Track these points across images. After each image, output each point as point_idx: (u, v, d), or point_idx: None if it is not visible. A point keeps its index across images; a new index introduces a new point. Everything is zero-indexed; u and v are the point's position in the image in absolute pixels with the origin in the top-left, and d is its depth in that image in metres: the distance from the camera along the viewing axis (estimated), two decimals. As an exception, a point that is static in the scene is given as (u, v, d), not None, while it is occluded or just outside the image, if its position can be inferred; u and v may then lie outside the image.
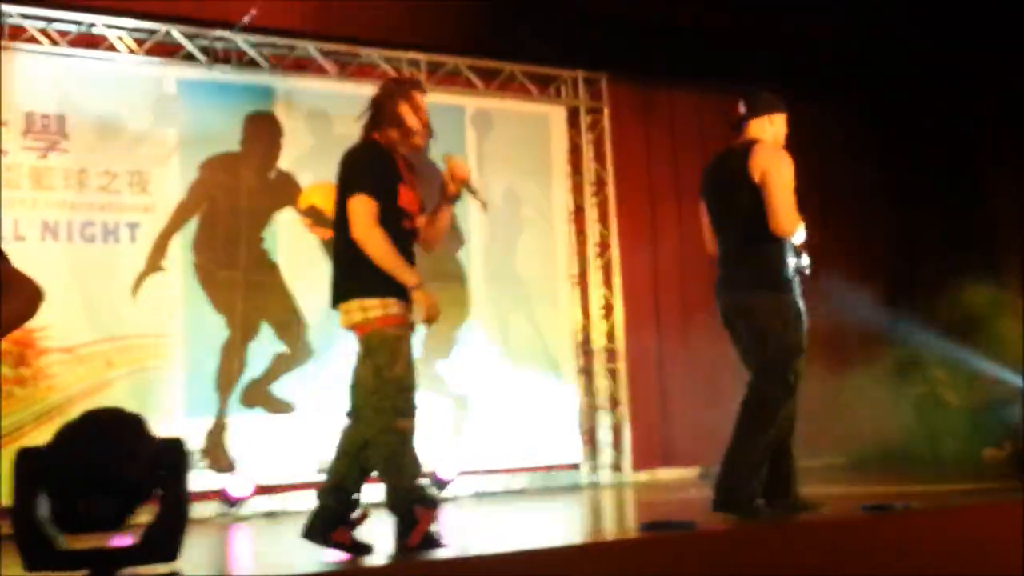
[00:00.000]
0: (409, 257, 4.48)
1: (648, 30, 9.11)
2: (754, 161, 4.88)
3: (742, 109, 5.08)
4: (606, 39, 9.19)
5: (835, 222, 9.28)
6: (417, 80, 4.81)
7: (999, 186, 10.00)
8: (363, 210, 4.35)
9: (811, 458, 9.45)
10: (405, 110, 4.53)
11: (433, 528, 4.28)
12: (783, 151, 4.97)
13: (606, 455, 9.07)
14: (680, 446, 9.30)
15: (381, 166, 4.48)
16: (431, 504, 4.35)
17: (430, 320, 4.37)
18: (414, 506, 4.28)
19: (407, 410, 4.34)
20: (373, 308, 4.34)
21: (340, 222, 4.48)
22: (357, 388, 4.44)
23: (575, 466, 9.02)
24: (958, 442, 9.82)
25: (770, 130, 5.03)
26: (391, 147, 4.55)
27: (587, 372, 9.17)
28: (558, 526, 6.22)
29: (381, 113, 4.58)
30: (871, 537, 4.17)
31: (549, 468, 8.87)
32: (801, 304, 4.99)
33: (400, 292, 4.37)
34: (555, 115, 9.38)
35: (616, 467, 9.09)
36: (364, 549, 4.38)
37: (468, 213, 8.74)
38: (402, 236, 4.45)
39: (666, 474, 9.22)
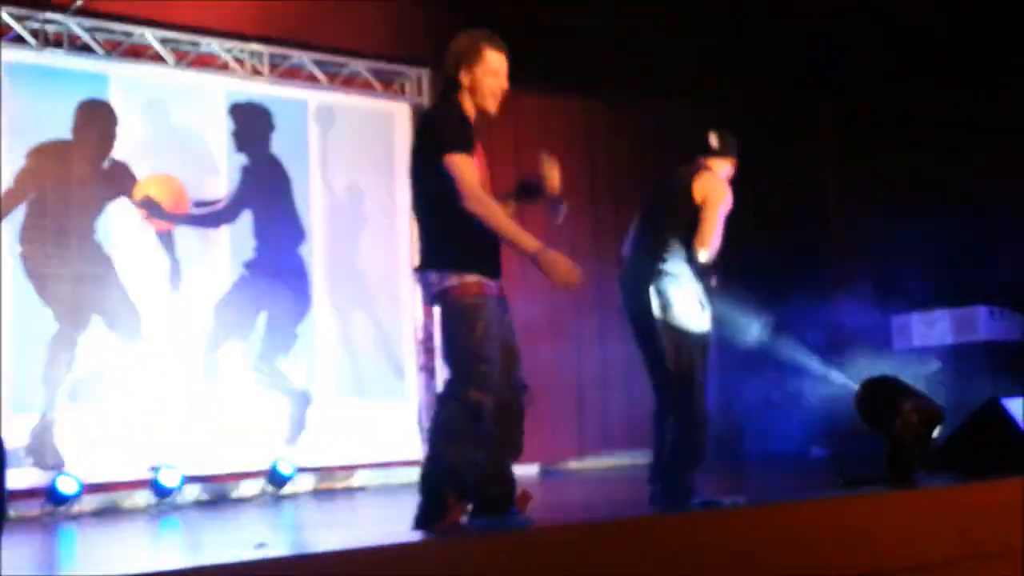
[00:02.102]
0: (486, 236, 4.12)
1: (493, 30, 9.14)
2: (699, 185, 5.28)
3: (714, 143, 5.45)
4: (451, 37, 9.18)
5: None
6: (495, 37, 4.28)
7: (830, 189, 10.40)
8: (460, 172, 4.02)
9: (645, 456, 9.76)
10: (479, 71, 4.20)
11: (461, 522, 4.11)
12: (725, 186, 5.37)
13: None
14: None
15: (464, 124, 4.17)
16: (463, 498, 4.14)
17: (569, 283, 4.12)
18: (446, 489, 4.10)
19: (480, 381, 4.06)
20: (451, 277, 4.11)
21: (428, 186, 4.18)
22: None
23: (415, 463, 9.00)
24: (784, 439, 10.17)
25: (724, 169, 5.46)
26: (463, 113, 4.21)
27: (428, 369, 9.18)
28: (396, 523, 6.21)
29: (452, 73, 4.24)
30: (701, 533, 4.27)
31: (389, 465, 8.84)
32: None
33: (478, 265, 4.12)
34: (399, 112, 9.35)
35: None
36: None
37: (310, 207, 8.65)
38: None
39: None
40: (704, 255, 5.20)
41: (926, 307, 9.15)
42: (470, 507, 4.24)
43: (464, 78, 4.20)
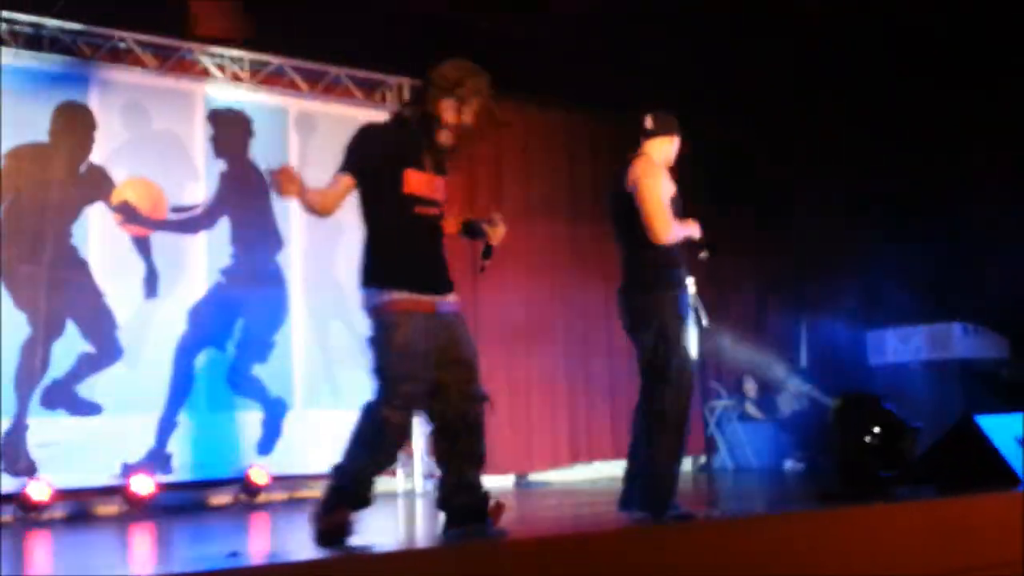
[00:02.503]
0: (432, 244, 4.36)
1: (475, 41, 9.16)
2: (630, 173, 5.15)
3: (648, 125, 5.30)
4: (431, 46, 9.18)
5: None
6: (483, 74, 4.46)
7: (805, 213, 10.45)
8: (331, 184, 4.29)
9: (622, 467, 9.76)
10: (447, 105, 4.34)
11: (345, 526, 4.20)
12: (657, 166, 5.20)
13: (422, 463, 9.06)
14: (497, 454, 9.36)
15: (387, 148, 4.33)
16: (352, 504, 4.23)
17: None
18: (338, 497, 4.19)
19: (391, 398, 4.20)
20: (375, 295, 4.28)
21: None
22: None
23: (391, 473, 8.97)
24: (760, 453, 10.21)
25: (663, 149, 5.27)
26: (414, 131, 4.36)
27: (405, 379, 9.14)
28: (370, 533, 6.18)
29: (422, 94, 4.42)
30: (676, 546, 4.27)
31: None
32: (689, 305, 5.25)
33: (406, 282, 4.26)
34: (380, 120, 9.31)
35: (431, 474, 9.08)
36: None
37: (288, 215, 8.62)
38: (416, 223, 4.31)
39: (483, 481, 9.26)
40: (664, 240, 5.05)
41: (902, 323, 9.21)
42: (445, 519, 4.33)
43: (435, 108, 4.35)
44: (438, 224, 4.41)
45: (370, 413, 4.22)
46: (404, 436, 4.29)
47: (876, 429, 5.77)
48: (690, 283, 5.30)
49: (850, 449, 5.91)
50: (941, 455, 5.95)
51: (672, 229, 5.07)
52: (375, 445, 4.22)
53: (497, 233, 4.51)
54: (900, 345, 9.05)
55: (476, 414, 4.38)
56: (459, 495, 4.39)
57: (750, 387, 10.58)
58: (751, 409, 10.54)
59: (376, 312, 4.24)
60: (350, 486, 4.24)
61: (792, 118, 10.43)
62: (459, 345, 4.36)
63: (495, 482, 9.28)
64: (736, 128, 10.32)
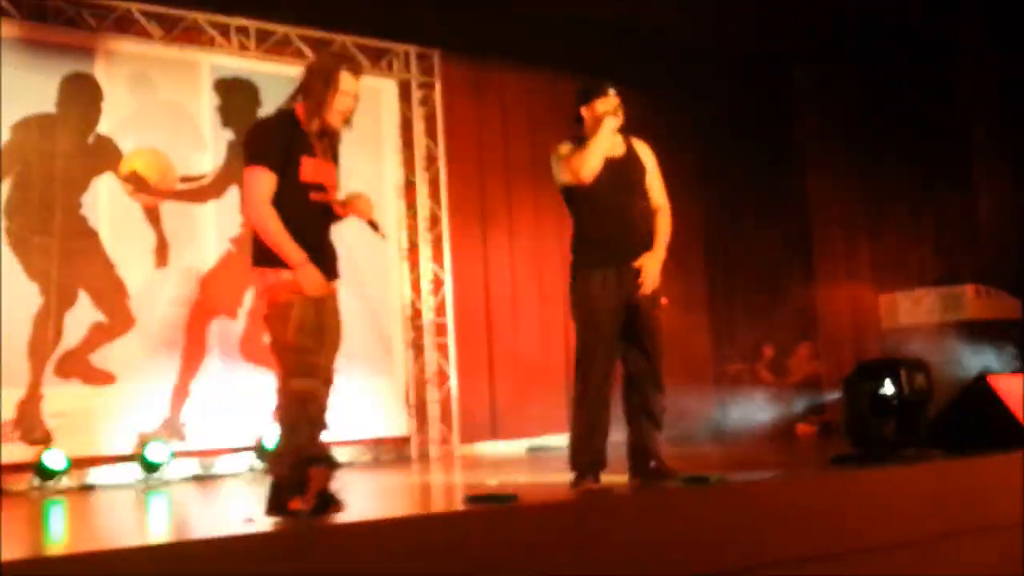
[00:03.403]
0: (321, 228, 4.49)
1: (483, 9, 9.13)
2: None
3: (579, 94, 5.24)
4: (440, 14, 9.16)
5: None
6: (354, 62, 4.65)
7: (817, 177, 10.39)
8: (253, 184, 4.33)
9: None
10: (329, 90, 4.41)
11: (330, 489, 4.32)
12: (562, 143, 5.14)
13: (435, 429, 9.09)
14: (508, 420, 9.40)
15: (281, 138, 4.40)
16: (328, 465, 4.38)
17: (312, 295, 4.35)
18: (307, 466, 4.30)
19: (301, 371, 4.35)
20: (269, 276, 4.36)
21: None
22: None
23: (404, 439, 9.02)
24: (773, 417, 10.20)
25: (589, 115, 5.13)
26: (304, 120, 4.44)
27: (416, 346, 9.17)
28: (385, 499, 6.21)
29: (303, 86, 4.49)
30: (688, 508, 4.29)
31: (378, 441, 8.85)
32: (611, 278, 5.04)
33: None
34: (387, 89, 9.31)
35: (444, 441, 9.12)
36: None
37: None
38: (310, 209, 4.41)
39: (494, 448, 9.31)
40: (582, 175, 4.98)
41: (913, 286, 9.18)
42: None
43: (315, 94, 4.43)
44: (330, 210, 4.54)
45: (284, 393, 4.37)
46: (320, 402, 4.43)
47: (888, 392, 5.75)
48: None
49: (862, 412, 5.90)
50: (955, 417, 5.94)
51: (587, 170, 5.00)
52: (300, 417, 4.35)
53: (359, 209, 4.63)
54: (912, 307, 9.01)
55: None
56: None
57: (768, 351, 10.57)
58: (763, 373, 10.53)
59: (271, 292, 4.37)
60: (319, 455, 4.38)
61: (797, 76, 10.38)
62: (335, 330, 4.57)
63: (508, 447, 9.32)
64: (739, 89, 10.27)
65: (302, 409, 4.35)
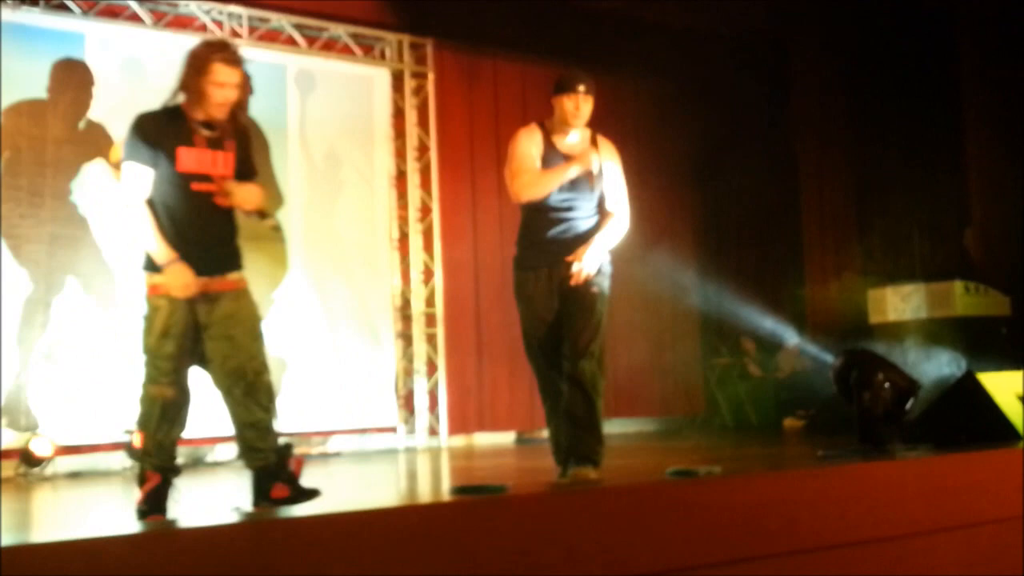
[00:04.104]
0: (208, 221, 4.29)
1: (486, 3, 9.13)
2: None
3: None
4: (433, 3, 9.15)
5: (648, 195, 9.47)
6: (228, 50, 4.29)
7: (808, 162, 10.40)
8: (125, 180, 4.25)
9: (624, 425, 9.84)
10: (204, 82, 4.21)
11: (164, 492, 4.28)
12: (528, 126, 5.10)
13: (423, 419, 9.09)
14: (496, 411, 9.41)
15: (155, 131, 4.25)
16: (164, 471, 4.31)
17: (179, 296, 4.19)
18: (146, 467, 4.29)
19: (157, 377, 4.25)
20: (145, 278, 4.28)
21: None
22: None
23: (391, 429, 9.01)
24: (760, 411, 10.23)
25: (558, 109, 5.05)
26: (186, 112, 4.29)
27: (405, 336, 9.16)
28: (372, 489, 6.21)
29: (180, 77, 4.31)
30: (676, 501, 4.29)
31: (365, 431, 8.85)
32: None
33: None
34: (379, 78, 9.29)
35: (432, 431, 9.13)
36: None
37: (288, 172, 8.60)
38: (192, 202, 4.24)
39: (482, 439, 9.32)
40: (522, 201, 5.00)
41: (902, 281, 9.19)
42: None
43: (191, 86, 4.25)
44: (213, 200, 4.30)
45: (142, 395, 4.31)
46: (179, 403, 4.34)
47: (876, 386, 5.76)
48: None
49: (850, 407, 5.92)
50: (943, 413, 5.96)
51: (524, 191, 5.00)
52: (157, 419, 4.29)
53: (240, 200, 4.36)
54: (900, 303, 9.03)
55: (253, 386, 4.37)
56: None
57: (750, 345, 10.59)
58: (751, 367, 10.55)
59: (144, 295, 4.29)
60: (157, 461, 4.33)
61: (793, 63, 10.38)
62: (229, 323, 4.32)
63: (498, 439, 9.33)
64: (744, 78, 10.28)
65: (158, 412, 4.28)
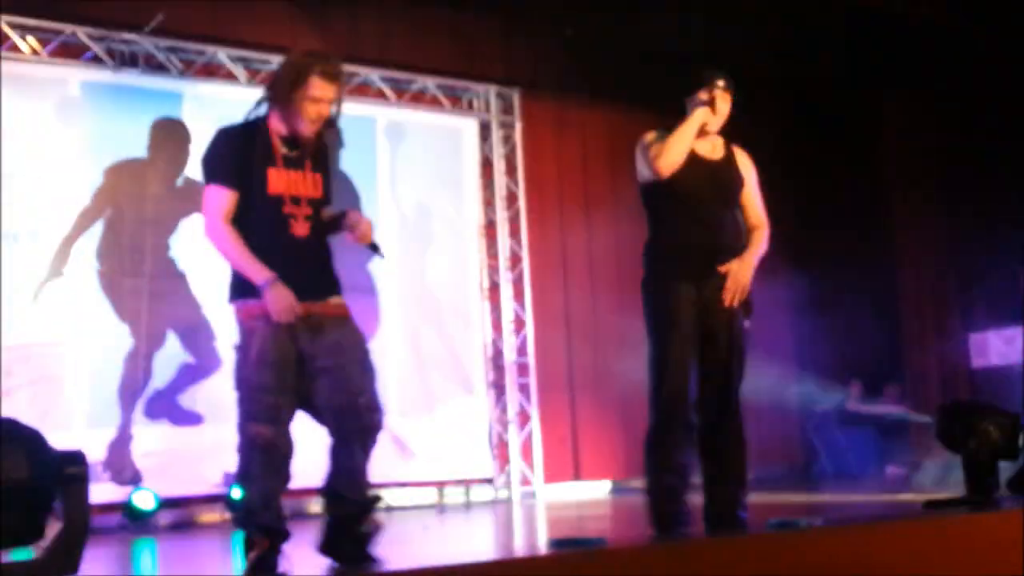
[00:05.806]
0: (300, 243, 3.96)
1: (561, 46, 9.19)
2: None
3: None
4: (520, 53, 9.23)
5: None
6: (328, 62, 3.97)
7: (904, 212, 10.24)
8: (210, 203, 3.94)
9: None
10: (298, 95, 3.92)
11: (273, 561, 3.86)
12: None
13: (517, 469, 9.06)
14: (591, 460, 9.34)
15: (241, 150, 3.94)
16: (272, 534, 3.88)
17: (281, 319, 3.84)
18: (252, 530, 3.88)
19: (256, 413, 3.89)
20: (237, 305, 3.99)
21: None
22: None
23: (487, 480, 9.00)
24: (861, 459, 10.02)
25: (691, 107, 4.67)
26: (270, 128, 3.99)
27: (498, 386, 9.16)
28: (469, 541, 6.19)
29: (270, 88, 4.05)
30: (778, 554, 4.21)
31: (461, 482, 8.84)
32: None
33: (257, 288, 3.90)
34: (467, 128, 9.38)
35: (526, 481, 9.09)
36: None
37: (379, 224, 8.67)
38: (281, 223, 3.94)
39: (577, 488, 9.25)
40: (659, 166, 4.46)
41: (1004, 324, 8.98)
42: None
43: (284, 99, 3.96)
44: (315, 224, 4.05)
45: (243, 436, 3.91)
46: (282, 450, 3.95)
47: (980, 433, 5.60)
48: None
49: (954, 456, 5.76)
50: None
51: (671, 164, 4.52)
52: (260, 466, 3.89)
53: (359, 235, 4.16)
54: (1004, 347, 8.81)
55: (363, 426, 4.02)
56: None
57: (852, 391, 10.40)
58: (851, 414, 10.35)
59: (236, 323, 3.97)
60: (265, 522, 3.90)
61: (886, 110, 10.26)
62: (331, 352, 3.95)
63: (593, 488, 9.25)
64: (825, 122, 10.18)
65: (259, 459, 3.87)
